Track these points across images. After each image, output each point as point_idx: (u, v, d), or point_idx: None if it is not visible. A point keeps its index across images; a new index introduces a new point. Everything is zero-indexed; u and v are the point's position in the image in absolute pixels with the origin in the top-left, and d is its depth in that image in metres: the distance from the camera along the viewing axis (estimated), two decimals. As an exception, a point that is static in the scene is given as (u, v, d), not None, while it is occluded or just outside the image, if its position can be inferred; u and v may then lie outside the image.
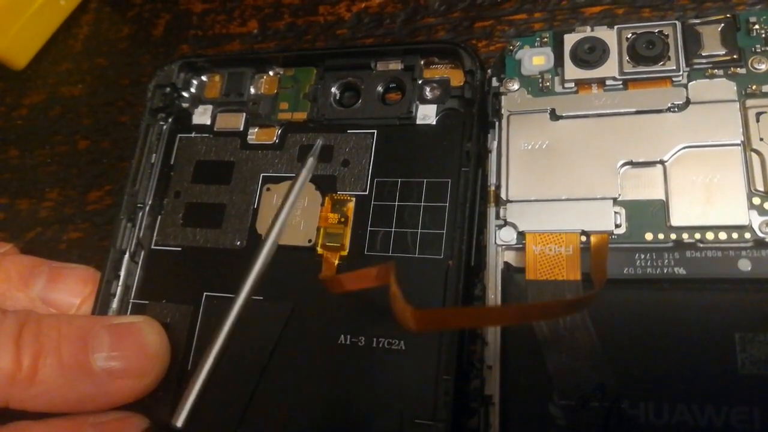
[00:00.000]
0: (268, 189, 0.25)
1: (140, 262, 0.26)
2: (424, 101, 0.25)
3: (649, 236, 0.20)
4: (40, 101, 0.35)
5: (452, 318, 0.19)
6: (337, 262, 0.23)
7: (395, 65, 0.26)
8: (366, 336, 0.21)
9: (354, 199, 0.24)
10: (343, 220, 0.23)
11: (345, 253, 0.23)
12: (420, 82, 0.25)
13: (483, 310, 0.20)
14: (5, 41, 0.34)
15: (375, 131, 0.25)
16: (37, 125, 0.34)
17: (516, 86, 0.23)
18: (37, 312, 0.22)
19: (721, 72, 0.22)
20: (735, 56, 0.22)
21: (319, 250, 0.23)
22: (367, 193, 0.24)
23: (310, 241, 0.24)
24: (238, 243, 0.24)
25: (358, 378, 0.21)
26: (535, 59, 0.24)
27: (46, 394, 0.20)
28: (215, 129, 0.27)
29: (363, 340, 0.21)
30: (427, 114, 0.25)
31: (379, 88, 0.26)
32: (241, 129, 0.27)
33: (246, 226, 0.25)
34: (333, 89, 0.26)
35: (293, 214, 0.24)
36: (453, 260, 0.22)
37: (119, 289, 0.25)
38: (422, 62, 0.25)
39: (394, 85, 0.26)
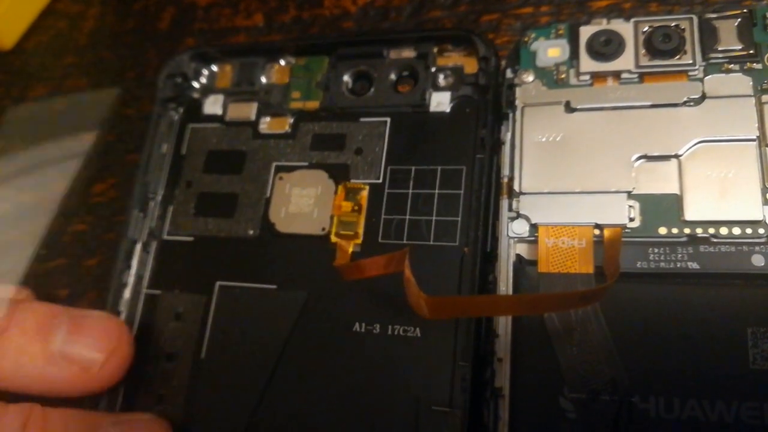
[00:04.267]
0: (280, 178, 0.25)
1: (152, 252, 0.26)
2: (438, 89, 0.25)
3: (662, 230, 0.20)
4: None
5: (465, 306, 0.19)
6: (351, 250, 0.23)
7: (408, 53, 0.26)
8: (381, 323, 0.21)
9: (368, 187, 0.24)
10: (356, 208, 0.23)
11: (359, 241, 0.23)
12: (433, 69, 0.25)
13: (496, 299, 0.20)
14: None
15: (388, 119, 0.25)
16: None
17: (531, 78, 0.23)
18: (39, 406, 0.21)
19: (737, 67, 0.22)
20: (751, 51, 0.22)
21: (333, 238, 0.23)
22: (380, 181, 0.24)
23: (323, 229, 0.24)
24: (251, 232, 0.24)
25: (373, 366, 0.21)
26: (551, 51, 0.24)
27: None
28: (227, 119, 0.27)
29: (378, 328, 0.21)
30: (440, 101, 0.24)
31: (392, 76, 0.25)
32: (253, 118, 0.27)
33: (258, 216, 0.25)
34: (345, 78, 0.26)
35: (307, 203, 0.24)
36: (469, 247, 0.22)
37: (131, 279, 0.25)
38: (435, 50, 0.25)
39: (407, 73, 0.26)
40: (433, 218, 0.22)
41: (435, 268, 0.22)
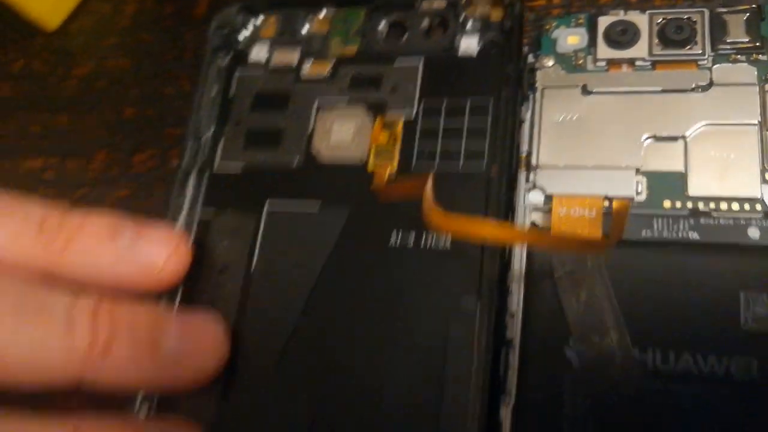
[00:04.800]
0: (322, 115, 0.27)
1: (205, 181, 0.28)
2: (467, 34, 0.27)
3: (667, 204, 0.22)
4: (89, 73, 0.36)
5: (467, 225, 0.21)
6: (387, 176, 0.25)
7: (439, 3, 0.28)
8: (415, 233, 0.24)
9: (402, 120, 0.26)
10: (392, 139, 0.26)
11: (394, 168, 0.25)
12: (462, 17, 0.27)
13: (502, 226, 0.22)
14: (38, 2, 0.36)
15: (421, 61, 0.27)
16: (85, 95, 0.36)
17: (551, 63, 0.25)
18: (108, 298, 0.22)
19: (743, 58, 0.23)
20: (758, 44, 0.23)
21: (371, 166, 0.26)
22: (414, 115, 0.26)
23: (362, 159, 0.26)
24: (296, 163, 0.27)
25: (407, 276, 0.23)
26: (570, 38, 0.25)
27: (115, 371, 0.21)
28: (271, 66, 0.29)
29: (412, 239, 0.24)
30: (469, 45, 0.27)
31: (424, 24, 0.28)
32: (295, 65, 0.29)
33: (302, 148, 0.27)
34: (381, 27, 0.28)
35: (347, 135, 0.27)
36: (496, 166, 0.24)
37: (186, 204, 0.27)
38: (464, 0, 0.27)
39: (438, 21, 0.28)
40: (462, 147, 0.25)
41: (463, 192, 0.24)
